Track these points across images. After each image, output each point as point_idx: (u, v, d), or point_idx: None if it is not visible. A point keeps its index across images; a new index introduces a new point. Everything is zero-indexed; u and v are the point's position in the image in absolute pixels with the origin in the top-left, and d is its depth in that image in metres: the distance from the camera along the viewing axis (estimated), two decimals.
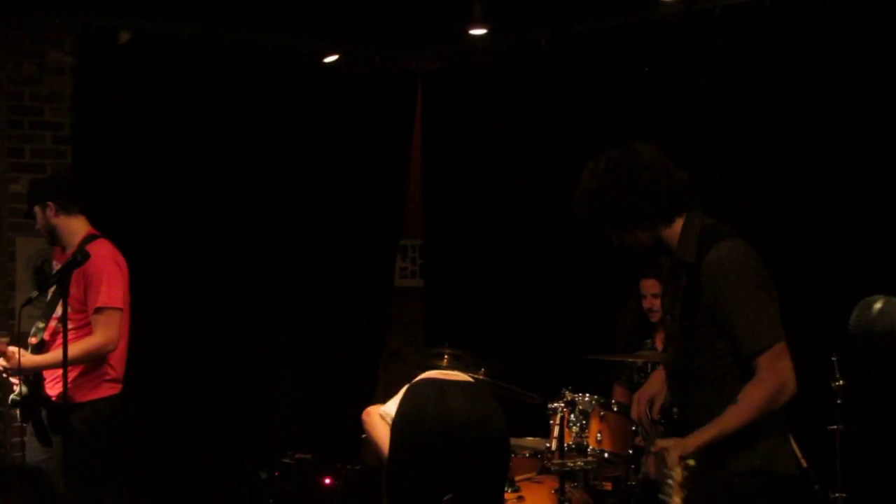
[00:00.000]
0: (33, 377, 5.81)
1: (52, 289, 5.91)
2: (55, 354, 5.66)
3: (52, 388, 5.83)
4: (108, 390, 5.95)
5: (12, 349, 5.74)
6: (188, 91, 7.80)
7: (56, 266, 6.16)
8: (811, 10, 6.33)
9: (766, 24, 6.54)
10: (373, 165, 8.79)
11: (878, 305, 3.14)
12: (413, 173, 9.06)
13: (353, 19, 7.74)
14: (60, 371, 5.70)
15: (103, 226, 6.37)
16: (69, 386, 5.70)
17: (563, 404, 5.64)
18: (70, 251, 5.91)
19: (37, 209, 6.02)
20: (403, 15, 7.63)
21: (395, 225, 9.06)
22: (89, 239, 5.98)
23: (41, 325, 5.87)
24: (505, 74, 8.21)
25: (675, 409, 3.98)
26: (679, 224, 3.93)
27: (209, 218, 7.92)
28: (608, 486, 6.07)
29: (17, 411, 5.91)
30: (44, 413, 5.86)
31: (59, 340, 5.48)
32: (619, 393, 6.53)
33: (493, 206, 8.36)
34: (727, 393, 3.78)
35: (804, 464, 5.59)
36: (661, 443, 3.77)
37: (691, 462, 3.64)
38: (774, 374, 3.70)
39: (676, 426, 3.93)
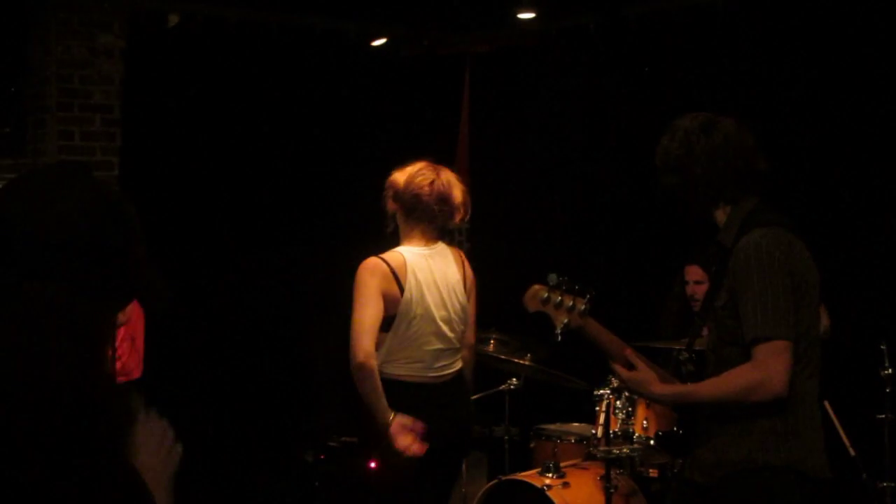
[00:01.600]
0: None
1: None
2: None
3: None
4: (135, 373, 6.06)
5: None
6: (236, 74, 7.82)
7: None
8: None
9: (819, 7, 6.47)
10: (419, 149, 8.74)
11: None
12: (460, 157, 9.04)
13: (401, 2, 7.73)
14: None
15: (151, 210, 6.38)
16: None
17: (609, 391, 5.62)
18: None
19: None
20: None
21: None
22: None
23: None
24: (553, 58, 8.17)
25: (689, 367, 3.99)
26: (729, 208, 3.90)
27: (257, 201, 7.94)
28: (654, 473, 6.04)
29: None
30: None
31: None
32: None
33: (539, 189, 8.34)
34: None
35: (852, 452, 5.57)
36: (641, 374, 3.87)
37: None
38: (762, 367, 3.60)
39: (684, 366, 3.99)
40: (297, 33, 8.00)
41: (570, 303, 4.10)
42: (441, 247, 5.10)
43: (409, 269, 4.93)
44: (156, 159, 7.48)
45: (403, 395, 4.98)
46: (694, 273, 6.32)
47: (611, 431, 5.60)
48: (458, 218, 5.11)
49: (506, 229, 8.63)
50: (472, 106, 8.95)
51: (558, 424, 6.59)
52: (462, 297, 5.06)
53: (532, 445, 6.45)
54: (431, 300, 4.96)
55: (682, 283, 6.48)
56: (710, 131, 3.90)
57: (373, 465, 7.28)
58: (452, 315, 5.02)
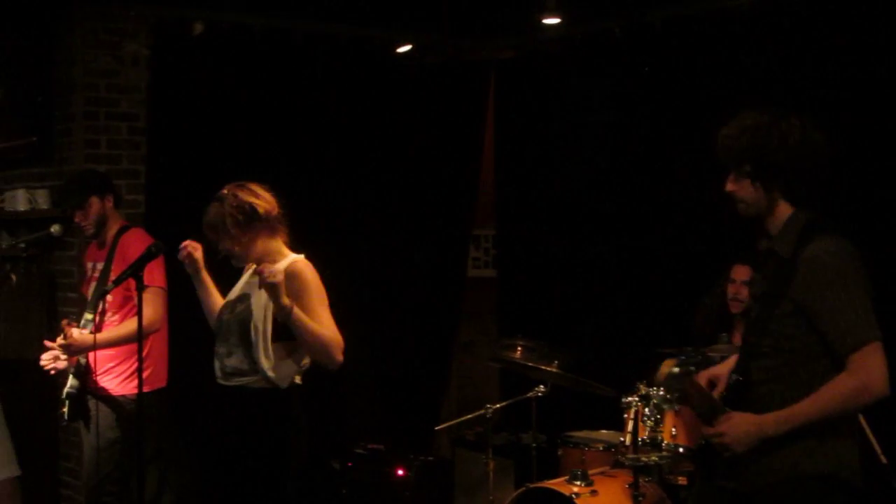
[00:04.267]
0: (84, 368, 5.88)
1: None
2: (112, 332, 5.82)
3: (103, 381, 5.90)
4: (159, 383, 6.07)
5: (76, 331, 5.82)
6: (261, 82, 7.83)
7: (89, 264, 6.26)
8: None
9: (844, 10, 6.42)
10: (445, 155, 8.78)
11: None
12: (486, 163, 9.03)
13: (425, 9, 7.72)
14: (111, 363, 5.82)
15: (177, 216, 6.40)
16: (120, 377, 5.83)
17: (637, 398, 5.58)
18: (106, 247, 6.04)
19: (94, 199, 6.09)
20: (476, 4, 7.61)
21: (468, 215, 9.04)
22: (124, 229, 6.11)
23: (89, 316, 5.93)
24: (578, 64, 8.15)
25: (735, 376, 3.93)
26: (786, 213, 3.85)
27: (282, 207, 7.93)
28: (683, 481, 6.00)
29: (65, 410, 5.96)
30: (93, 404, 5.94)
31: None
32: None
33: (566, 195, 8.31)
34: (796, 387, 3.72)
35: (884, 460, 5.52)
36: (737, 418, 3.72)
37: None
38: (863, 371, 3.61)
39: (737, 391, 3.88)
40: (322, 41, 8.00)
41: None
42: None
43: None
44: (181, 167, 7.49)
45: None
46: (742, 273, 6.27)
47: (639, 439, 5.56)
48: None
49: (532, 235, 8.60)
50: (497, 112, 8.94)
51: (586, 432, 6.56)
52: None
53: (560, 453, 6.43)
54: None
55: (720, 289, 6.44)
56: (804, 130, 3.84)
57: (400, 472, 7.29)
58: None
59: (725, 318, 6.43)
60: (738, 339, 6.20)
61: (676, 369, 4.21)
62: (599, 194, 8.03)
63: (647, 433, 5.53)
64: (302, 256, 5.17)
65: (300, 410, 5.10)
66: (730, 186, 3.94)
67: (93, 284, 6.10)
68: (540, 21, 7.74)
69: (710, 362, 4.23)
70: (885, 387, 3.62)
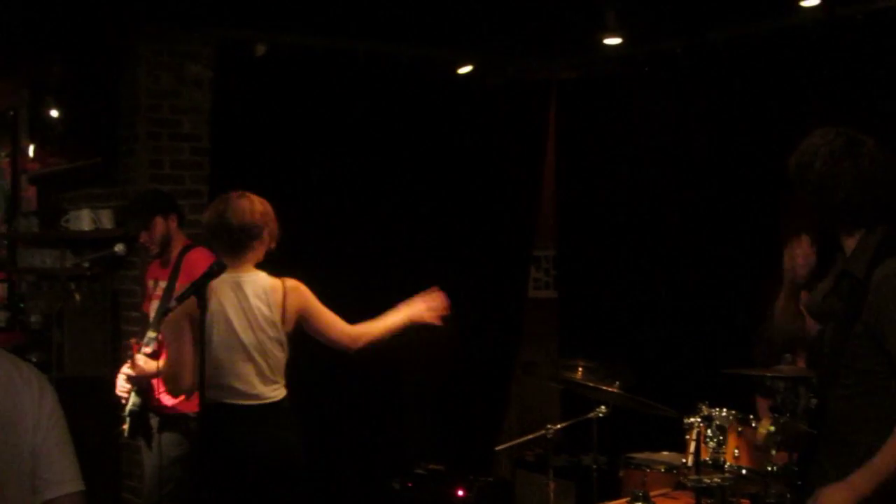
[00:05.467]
0: (146, 386, 5.92)
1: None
2: None
3: (166, 398, 5.93)
4: None
5: (140, 357, 5.86)
6: (323, 103, 7.87)
7: (151, 282, 6.29)
8: None
9: None
10: (507, 176, 8.77)
11: None
12: (547, 183, 9.02)
13: (487, 30, 7.73)
14: None
15: None
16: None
17: (699, 419, 5.52)
18: (170, 265, 6.08)
19: (159, 219, 6.14)
20: (537, 25, 7.60)
21: (529, 235, 9.02)
22: (188, 248, 6.15)
23: (152, 334, 5.97)
24: (640, 83, 8.12)
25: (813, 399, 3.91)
26: (859, 232, 3.83)
27: (344, 228, 7.97)
28: (745, 503, 5.94)
29: (126, 426, 6.00)
30: (154, 422, 5.97)
31: None
32: (762, 407, 6.38)
33: (627, 216, 8.27)
34: (872, 408, 3.70)
35: None
36: (829, 489, 3.62)
37: None
38: None
39: (816, 412, 3.93)
40: (383, 61, 8.03)
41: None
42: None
43: None
44: (244, 187, 7.52)
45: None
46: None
47: (701, 460, 5.51)
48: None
49: (593, 256, 8.57)
50: (558, 132, 8.93)
51: (647, 453, 6.51)
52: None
53: (621, 474, 6.38)
54: None
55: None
56: (857, 154, 3.78)
57: (460, 493, 7.27)
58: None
59: (788, 342, 6.35)
60: (801, 362, 6.13)
61: (773, 428, 4.18)
62: (660, 214, 7.98)
63: (709, 454, 5.47)
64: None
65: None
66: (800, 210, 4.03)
67: (155, 302, 6.15)
68: (601, 41, 7.71)
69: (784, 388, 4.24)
70: None
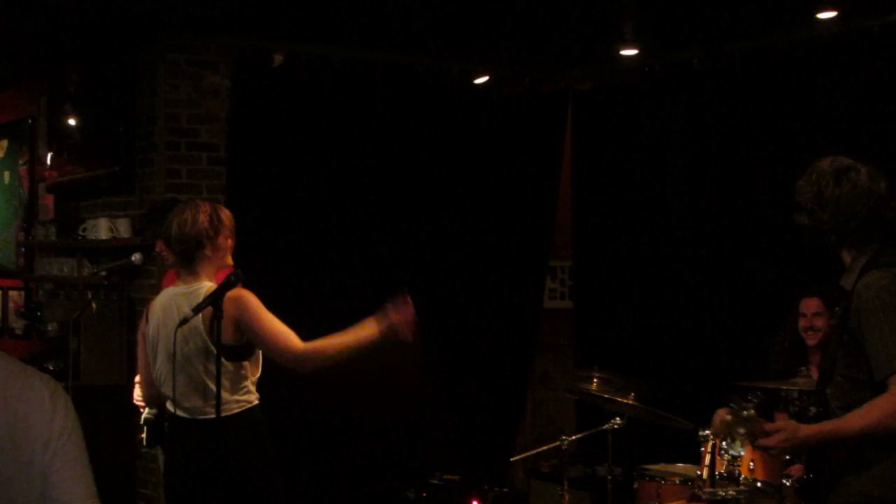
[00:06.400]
0: None
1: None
2: None
3: None
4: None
5: None
6: (340, 112, 7.89)
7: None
8: None
9: None
10: (523, 186, 8.78)
11: None
12: (563, 194, 9.02)
13: (503, 40, 7.74)
14: None
15: (256, 245, 6.46)
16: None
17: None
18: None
19: None
20: (554, 35, 7.61)
21: (545, 246, 9.02)
22: None
23: None
24: (656, 94, 8.11)
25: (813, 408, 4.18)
26: (854, 252, 4.03)
27: (360, 238, 7.98)
28: None
29: (144, 435, 6.00)
30: None
31: None
32: (780, 419, 6.36)
33: (643, 226, 8.26)
34: None
35: None
36: (779, 424, 3.99)
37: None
38: None
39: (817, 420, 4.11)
40: (400, 72, 8.06)
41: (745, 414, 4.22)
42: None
43: None
44: (261, 197, 7.56)
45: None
46: (812, 306, 6.19)
47: (716, 472, 5.50)
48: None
49: (609, 267, 8.56)
50: (575, 142, 8.92)
51: (662, 465, 6.50)
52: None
53: (636, 486, 6.36)
54: None
55: (794, 319, 6.36)
56: (841, 179, 3.99)
57: (475, 503, 7.27)
58: None
59: (801, 352, 6.34)
60: (815, 373, 6.12)
61: (729, 417, 4.28)
62: (676, 226, 7.97)
63: (724, 467, 5.46)
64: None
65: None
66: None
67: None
68: (618, 52, 7.73)
69: (770, 399, 4.35)
70: None
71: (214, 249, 4.94)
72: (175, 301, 4.93)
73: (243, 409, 4.86)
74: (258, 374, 4.98)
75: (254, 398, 4.91)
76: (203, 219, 4.91)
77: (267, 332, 4.78)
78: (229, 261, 5.04)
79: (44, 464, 2.72)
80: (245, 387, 4.88)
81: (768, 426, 4.01)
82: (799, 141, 7.05)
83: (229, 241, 5.03)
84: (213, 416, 4.68)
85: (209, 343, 4.74)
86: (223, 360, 4.67)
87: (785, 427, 3.98)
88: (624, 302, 8.39)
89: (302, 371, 4.86)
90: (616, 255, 8.49)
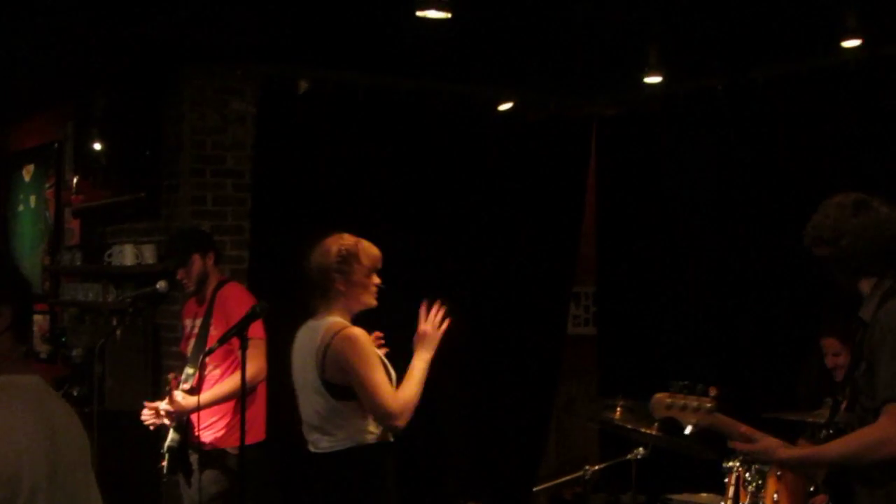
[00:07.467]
0: (185, 423, 5.93)
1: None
2: (216, 391, 5.87)
3: (205, 434, 5.94)
4: (259, 435, 6.08)
5: (179, 394, 5.88)
6: (365, 139, 7.90)
7: (188, 321, 6.31)
8: None
9: None
10: (547, 212, 8.77)
11: None
12: (587, 220, 9.01)
13: (527, 67, 7.75)
14: (213, 417, 5.87)
15: (281, 272, 6.45)
16: (224, 431, 5.87)
17: (738, 462, 5.50)
18: (205, 303, 6.13)
19: (196, 257, 6.14)
20: (578, 63, 7.62)
21: (569, 272, 9.01)
22: (220, 284, 6.16)
23: (190, 371, 5.98)
24: (680, 121, 8.11)
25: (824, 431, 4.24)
26: (872, 282, 4.02)
27: (386, 265, 7.96)
28: None
29: (165, 463, 6.01)
30: (194, 459, 5.98)
31: (210, 384, 5.89)
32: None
33: (667, 253, 8.25)
34: None
35: None
36: (765, 442, 3.97)
37: None
38: (887, 427, 3.74)
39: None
40: (425, 98, 8.07)
41: (696, 404, 4.16)
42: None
43: None
44: (286, 223, 7.57)
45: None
46: (832, 345, 6.20)
47: (740, 503, 5.48)
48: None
49: (633, 293, 8.54)
50: (599, 169, 8.93)
51: (686, 494, 6.47)
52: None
53: None
54: None
55: (819, 354, 6.35)
56: (860, 209, 4.02)
57: None
58: None
59: (829, 383, 6.32)
60: (843, 404, 6.10)
61: (669, 399, 4.28)
62: (700, 253, 7.96)
63: (748, 498, 5.45)
64: None
65: None
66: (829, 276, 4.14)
67: (191, 342, 6.16)
68: (642, 79, 7.72)
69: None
70: None
71: (348, 285, 4.87)
72: (301, 335, 4.89)
73: (347, 447, 4.73)
74: None
75: (369, 437, 4.76)
76: (335, 252, 4.89)
77: (363, 382, 4.63)
78: (370, 300, 4.96)
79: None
80: (356, 425, 4.72)
81: (744, 429, 4.06)
82: (823, 168, 7.03)
83: (370, 279, 4.96)
84: (322, 450, 4.73)
85: (318, 378, 4.70)
86: (331, 396, 4.66)
87: (765, 445, 4.00)
88: (648, 328, 8.37)
89: (396, 428, 4.75)
90: (640, 281, 8.48)
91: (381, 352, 4.91)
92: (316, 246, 4.94)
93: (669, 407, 4.29)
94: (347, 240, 4.98)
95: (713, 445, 5.95)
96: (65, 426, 2.88)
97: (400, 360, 4.96)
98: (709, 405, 4.19)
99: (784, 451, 3.97)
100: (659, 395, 4.34)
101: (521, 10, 6.40)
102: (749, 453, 4.09)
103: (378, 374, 4.68)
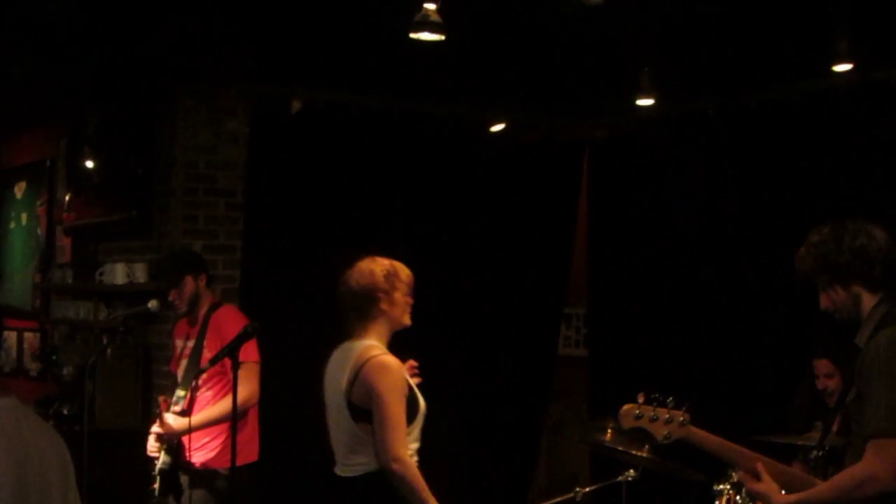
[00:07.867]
0: (176, 445, 5.92)
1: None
2: (208, 413, 5.86)
3: (197, 455, 5.93)
4: (252, 456, 6.07)
5: (169, 416, 5.87)
6: (357, 159, 7.91)
7: (178, 341, 6.31)
8: None
9: None
10: (538, 233, 8.78)
11: None
12: (578, 241, 9.02)
13: (520, 89, 7.77)
14: (207, 437, 5.86)
15: (273, 292, 6.45)
16: (216, 451, 5.86)
17: (729, 486, 5.50)
18: (198, 324, 6.10)
19: (188, 278, 6.14)
20: (571, 84, 7.64)
21: (560, 293, 9.02)
22: (214, 306, 6.16)
23: (181, 393, 5.98)
24: (672, 144, 8.13)
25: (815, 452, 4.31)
26: (871, 305, 3.98)
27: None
28: None
29: (156, 485, 6.00)
30: (184, 480, 5.97)
31: (201, 405, 5.91)
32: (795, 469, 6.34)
33: (658, 274, 8.26)
34: None
35: None
36: (765, 486, 3.97)
37: None
38: (872, 464, 3.75)
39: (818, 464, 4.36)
40: (417, 119, 8.09)
41: (667, 415, 4.17)
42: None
43: None
44: (278, 243, 7.57)
45: None
46: (824, 367, 6.21)
47: None
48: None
49: (624, 314, 8.55)
50: (591, 191, 8.94)
51: None
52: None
53: None
54: None
55: (811, 376, 6.37)
56: (859, 233, 4.01)
57: None
58: None
59: (821, 407, 6.33)
60: (836, 426, 6.11)
61: (637, 409, 4.26)
62: (691, 275, 7.96)
63: None
64: None
65: None
66: (823, 303, 4.09)
67: (183, 362, 6.15)
68: (634, 102, 7.74)
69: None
70: (891, 481, 3.72)
71: (391, 304, 4.87)
72: (336, 356, 4.88)
73: (367, 472, 4.69)
74: (413, 444, 4.79)
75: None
76: (380, 272, 4.90)
77: (381, 413, 4.58)
78: (407, 320, 4.95)
79: None
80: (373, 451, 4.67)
81: (727, 447, 4.15)
82: (815, 191, 7.05)
83: (408, 298, 4.96)
84: (345, 473, 4.73)
85: (344, 399, 4.69)
86: (351, 418, 4.66)
87: (765, 489, 4.00)
88: (639, 350, 8.37)
89: (388, 469, 4.59)
90: (631, 302, 8.48)
91: (415, 381, 4.90)
92: (350, 270, 4.94)
93: (639, 417, 4.29)
94: (383, 261, 5.01)
95: (703, 469, 5.97)
96: (41, 448, 2.86)
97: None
98: (681, 418, 4.20)
99: (780, 497, 3.96)
100: (628, 406, 4.33)
101: (514, 33, 6.42)
102: (751, 490, 4.09)
103: (398, 411, 4.62)
